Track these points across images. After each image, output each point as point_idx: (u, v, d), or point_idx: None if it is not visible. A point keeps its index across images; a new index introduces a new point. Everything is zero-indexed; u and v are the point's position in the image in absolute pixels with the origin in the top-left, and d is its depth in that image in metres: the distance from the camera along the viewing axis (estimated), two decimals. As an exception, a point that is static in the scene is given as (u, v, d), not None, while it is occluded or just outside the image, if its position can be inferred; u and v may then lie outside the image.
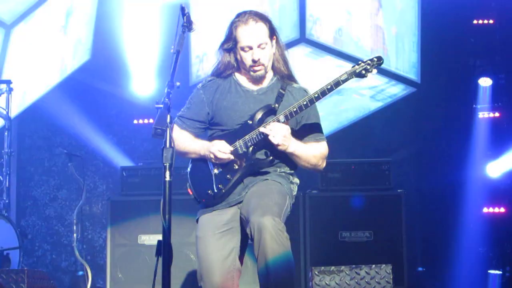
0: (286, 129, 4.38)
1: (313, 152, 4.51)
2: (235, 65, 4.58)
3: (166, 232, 3.53)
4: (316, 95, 4.37)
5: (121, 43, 8.22)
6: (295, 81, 4.65)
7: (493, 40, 8.02)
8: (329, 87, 4.36)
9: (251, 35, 4.44)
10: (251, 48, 4.46)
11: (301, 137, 4.52)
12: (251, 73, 4.52)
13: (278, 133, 4.36)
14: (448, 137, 7.95)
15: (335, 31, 8.19)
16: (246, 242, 4.51)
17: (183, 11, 4.07)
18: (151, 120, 8.13)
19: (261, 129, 4.39)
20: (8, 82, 7.39)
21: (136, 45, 8.18)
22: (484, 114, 8.03)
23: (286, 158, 4.52)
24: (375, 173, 7.08)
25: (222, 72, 4.60)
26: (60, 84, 8.26)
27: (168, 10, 8.07)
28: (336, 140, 7.10)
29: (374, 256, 6.60)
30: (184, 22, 4.06)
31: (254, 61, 4.46)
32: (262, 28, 4.47)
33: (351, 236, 6.88)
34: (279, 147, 4.37)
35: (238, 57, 4.53)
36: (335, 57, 8.11)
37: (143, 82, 8.17)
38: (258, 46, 4.45)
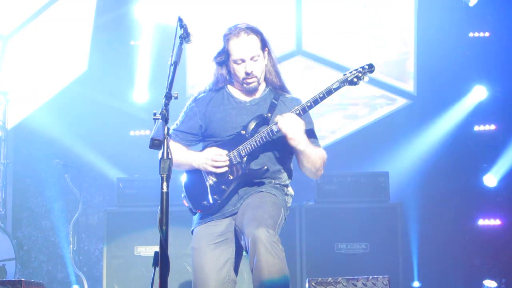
0: (300, 123, 4.32)
1: (319, 154, 4.48)
2: (228, 77, 4.59)
3: (163, 244, 3.51)
4: (309, 104, 4.37)
5: (118, 55, 8.25)
6: (288, 92, 4.65)
7: (489, 52, 8.05)
8: (321, 95, 4.36)
9: (244, 48, 4.45)
10: (243, 61, 4.47)
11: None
12: (244, 85, 4.52)
13: (291, 125, 4.30)
14: (444, 150, 7.96)
15: (332, 43, 8.21)
16: (241, 253, 4.51)
17: (181, 22, 4.06)
18: (147, 132, 8.14)
19: (273, 127, 4.36)
20: (5, 94, 7.41)
21: (132, 57, 8.21)
22: (480, 126, 8.04)
23: (281, 169, 4.52)
24: (371, 185, 7.08)
25: (214, 85, 4.62)
26: (56, 96, 8.26)
27: (161, 29, 8.11)
28: (333, 152, 7.08)
29: (370, 268, 6.58)
30: (182, 34, 4.05)
31: (247, 74, 4.47)
32: (254, 41, 4.48)
33: (347, 248, 6.88)
34: (291, 141, 4.31)
35: (231, 70, 4.54)
36: (332, 69, 8.12)
37: (140, 93, 8.19)
38: (251, 59, 4.46)
